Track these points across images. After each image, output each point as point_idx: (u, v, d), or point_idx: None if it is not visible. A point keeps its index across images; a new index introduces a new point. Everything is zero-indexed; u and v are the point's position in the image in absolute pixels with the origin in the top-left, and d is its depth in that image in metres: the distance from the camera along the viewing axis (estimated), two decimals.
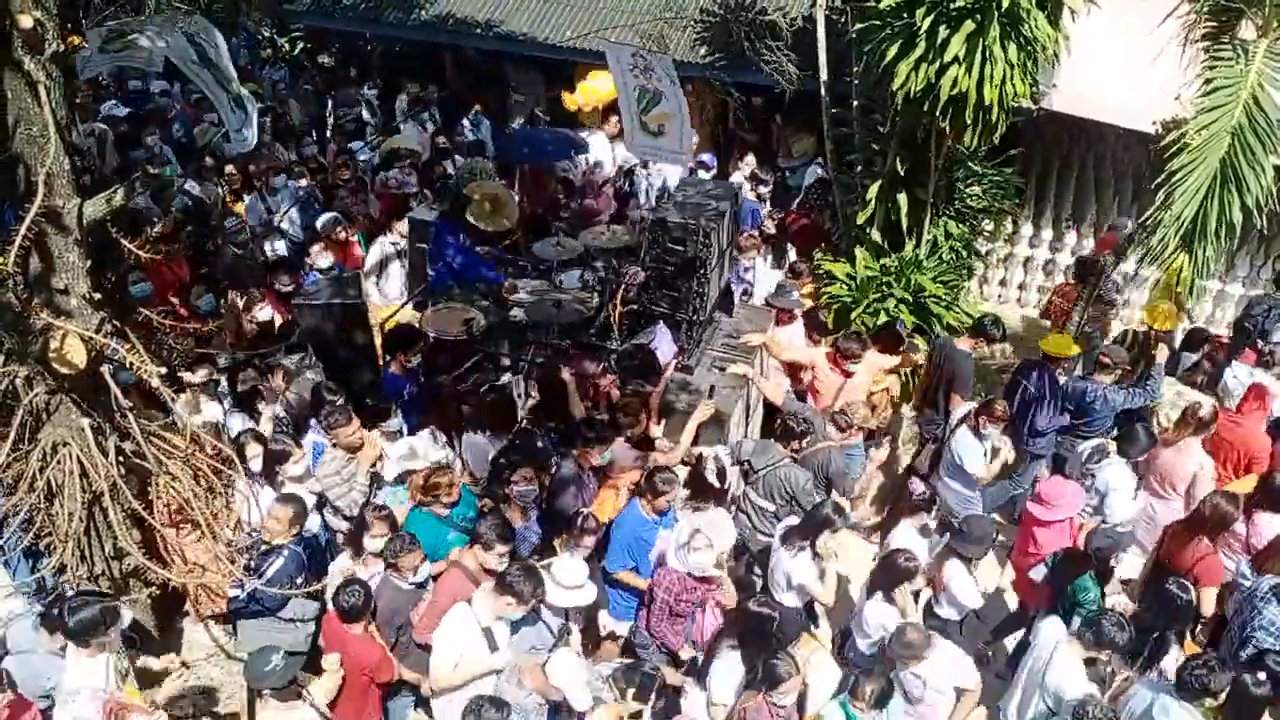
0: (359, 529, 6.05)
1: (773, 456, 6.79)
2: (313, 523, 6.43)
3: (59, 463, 5.11)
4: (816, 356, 8.06)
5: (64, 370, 4.91)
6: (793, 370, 8.42)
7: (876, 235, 9.76)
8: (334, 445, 6.55)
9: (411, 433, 7.10)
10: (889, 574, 5.99)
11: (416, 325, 8.03)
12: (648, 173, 11.77)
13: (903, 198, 9.46)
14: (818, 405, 7.83)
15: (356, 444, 6.56)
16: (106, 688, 4.92)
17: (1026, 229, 11.70)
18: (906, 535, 6.54)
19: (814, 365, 8.04)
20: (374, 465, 6.73)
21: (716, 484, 6.69)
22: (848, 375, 7.82)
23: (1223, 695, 5.23)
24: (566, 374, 7.20)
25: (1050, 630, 5.80)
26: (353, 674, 5.45)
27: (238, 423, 7.02)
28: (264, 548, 5.79)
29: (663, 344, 7.56)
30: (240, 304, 8.52)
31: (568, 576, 5.61)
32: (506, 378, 7.87)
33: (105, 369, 5.13)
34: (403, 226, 9.78)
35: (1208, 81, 7.16)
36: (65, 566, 5.34)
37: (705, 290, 7.56)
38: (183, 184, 10.61)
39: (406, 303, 8.88)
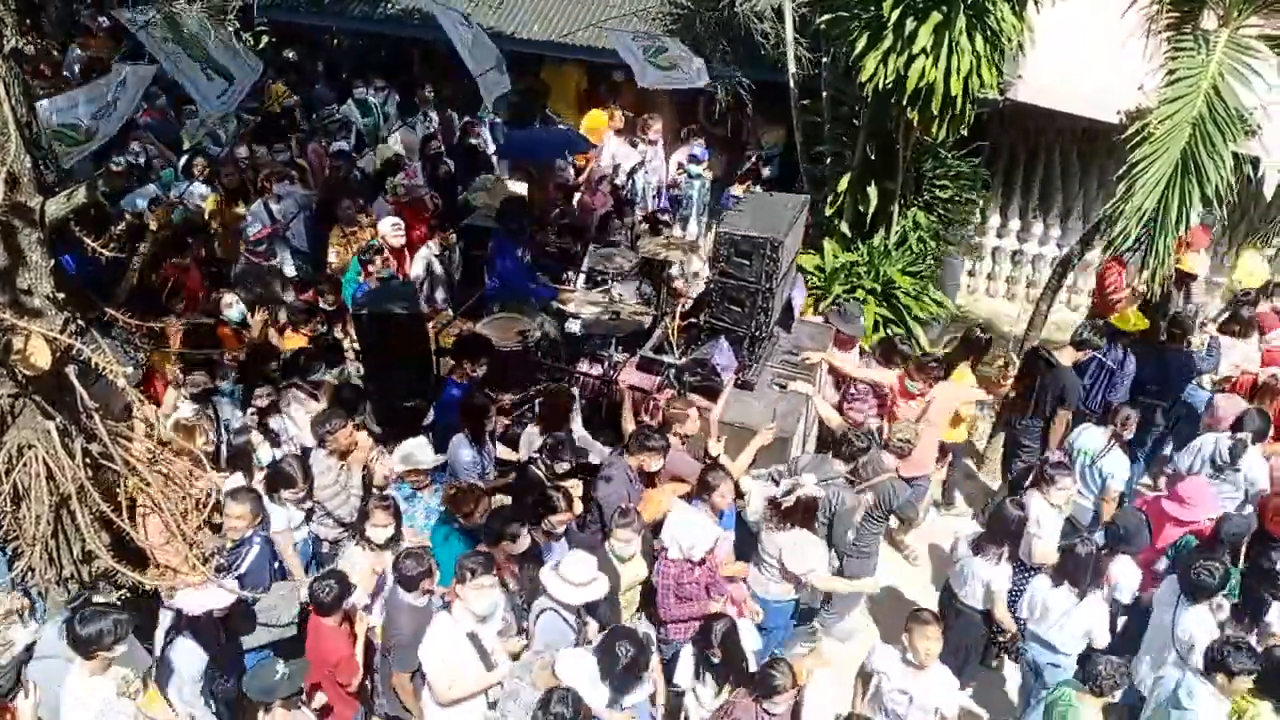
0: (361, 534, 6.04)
1: (826, 473, 6.59)
2: (299, 535, 6.40)
3: (25, 465, 5.04)
4: (892, 381, 7.74)
5: (28, 372, 4.85)
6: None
7: (845, 227, 9.81)
8: (330, 452, 6.48)
9: (449, 435, 7.02)
10: (1074, 566, 5.99)
11: (479, 333, 7.91)
12: (645, 169, 11.75)
13: (871, 189, 9.52)
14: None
15: (350, 447, 6.52)
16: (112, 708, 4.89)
17: (994, 219, 11.81)
18: (1039, 507, 6.58)
19: (892, 389, 7.75)
20: (365, 469, 6.67)
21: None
22: (910, 397, 7.51)
23: (1242, 676, 5.31)
24: (623, 387, 7.09)
25: (1174, 587, 6.05)
26: (318, 667, 5.44)
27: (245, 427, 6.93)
28: (233, 543, 5.75)
29: (724, 359, 7.34)
30: (267, 317, 8.43)
31: (576, 573, 5.52)
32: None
33: (70, 369, 5.06)
34: (445, 236, 9.74)
35: (1170, 72, 7.24)
36: (33, 569, 5.28)
37: (770, 305, 7.29)
38: (184, 189, 10.36)
39: (462, 311, 8.78)
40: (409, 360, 7.58)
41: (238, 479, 6.31)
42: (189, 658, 5.39)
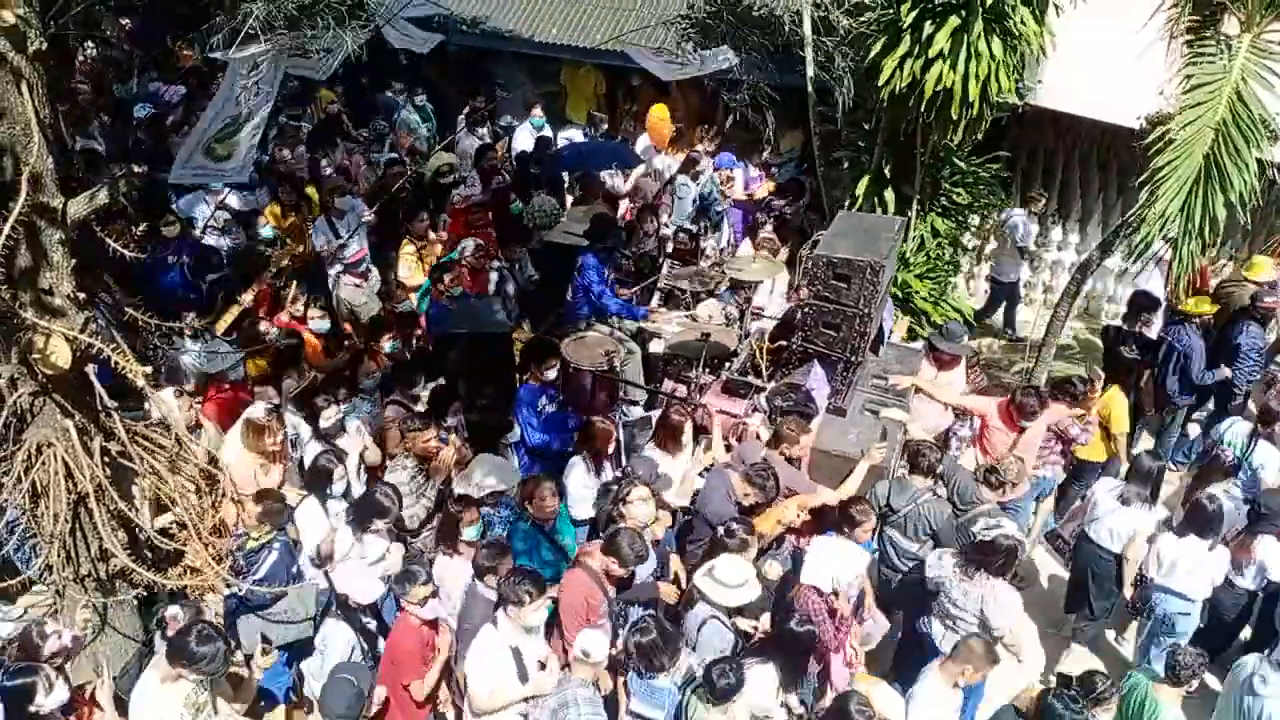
0: (444, 528, 6.08)
1: (914, 493, 6.48)
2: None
3: (44, 463, 5.08)
4: (988, 408, 7.55)
5: (48, 371, 4.88)
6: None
7: None
8: (407, 453, 6.46)
9: (565, 459, 7.02)
10: (1202, 518, 6.43)
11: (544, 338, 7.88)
12: (698, 183, 11.65)
13: (889, 194, 9.48)
14: (985, 461, 7.38)
15: (430, 452, 6.51)
16: None
17: None
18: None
19: (984, 417, 7.54)
20: (447, 483, 6.63)
21: None
22: (1020, 431, 7.36)
23: None
24: (711, 410, 7.00)
25: None
26: (387, 666, 5.52)
27: (314, 450, 6.77)
28: (252, 546, 5.78)
29: (818, 384, 7.17)
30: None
31: (730, 575, 5.51)
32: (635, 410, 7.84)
33: (90, 369, 5.10)
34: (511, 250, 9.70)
35: (1190, 77, 7.19)
36: (51, 567, 5.31)
37: (866, 330, 7.08)
38: (224, 197, 10.20)
39: (544, 329, 8.75)
40: (493, 377, 7.53)
41: (311, 504, 6.26)
42: (338, 639, 5.61)
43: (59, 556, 5.30)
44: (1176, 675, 5.44)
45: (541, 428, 7.31)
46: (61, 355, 4.82)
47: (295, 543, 6.08)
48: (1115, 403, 7.95)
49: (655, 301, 9.31)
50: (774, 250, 9.88)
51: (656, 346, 8.36)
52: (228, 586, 5.66)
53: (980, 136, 8.97)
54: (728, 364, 7.84)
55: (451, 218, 10.21)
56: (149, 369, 5.08)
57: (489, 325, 7.54)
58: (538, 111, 12.75)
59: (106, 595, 5.50)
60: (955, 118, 8.41)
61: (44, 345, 4.79)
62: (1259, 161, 7.09)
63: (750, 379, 7.56)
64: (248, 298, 8.07)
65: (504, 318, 7.78)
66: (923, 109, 8.39)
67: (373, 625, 5.95)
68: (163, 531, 5.34)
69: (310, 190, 10.61)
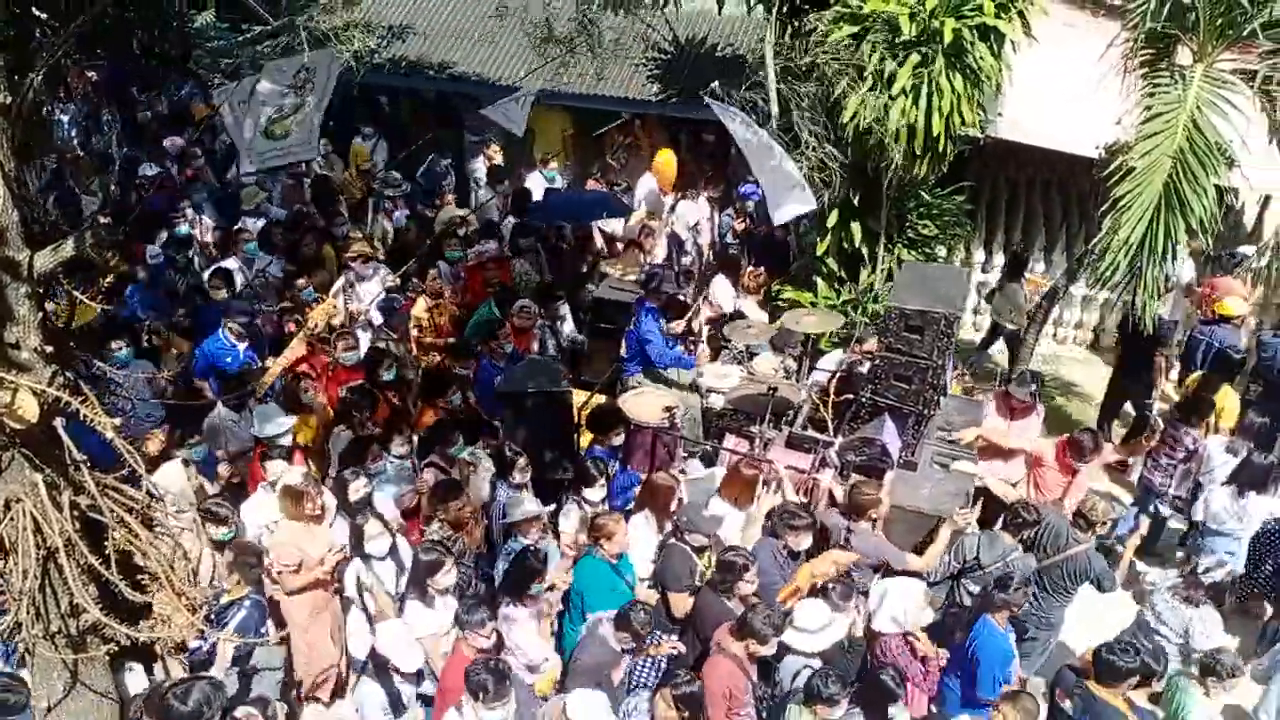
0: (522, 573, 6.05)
1: (1003, 549, 6.43)
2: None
3: (12, 519, 5.00)
4: (1044, 449, 7.64)
5: (16, 425, 4.82)
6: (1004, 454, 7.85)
7: (833, 264, 9.87)
8: (441, 521, 6.42)
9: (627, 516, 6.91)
10: (1249, 473, 7.31)
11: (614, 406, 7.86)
12: (697, 228, 11.66)
13: (855, 227, 9.58)
14: (1035, 498, 7.39)
15: (464, 520, 6.48)
16: None
17: (979, 255, 11.89)
18: None
19: (1039, 456, 7.59)
20: (479, 546, 6.58)
21: None
22: (1073, 474, 7.45)
23: None
24: (778, 466, 6.90)
25: None
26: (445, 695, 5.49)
27: (340, 531, 6.55)
28: (224, 601, 5.71)
29: (891, 438, 7.05)
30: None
31: (811, 620, 5.50)
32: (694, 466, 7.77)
33: (59, 422, 5.04)
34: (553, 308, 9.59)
35: (1147, 108, 7.36)
36: (20, 624, 5.21)
37: (938, 382, 7.03)
38: (267, 265, 9.99)
39: (599, 386, 8.67)
40: (552, 438, 7.46)
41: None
42: (373, 700, 5.72)
43: (28, 614, 5.21)
44: (1215, 673, 5.77)
45: (612, 489, 7.26)
46: (29, 409, 4.77)
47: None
48: (1228, 398, 8.58)
49: (702, 352, 9.21)
50: (758, 285, 10.03)
51: (716, 402, 8.23)
52: (200, 636, 5.58)
53: (944, 169, 9.10)
54: (785, 417, 7.69)
55: (469, 274, 10.07)
56: (118, 420, 5.01)
57: (547, 383, 7.49)
58: (553, 165, 12.56)
59: (77, 652, 5.40)
60: (919, 151, 8.53)
61: (11, 399, 4.74)
62: (1217, 188, 7.25)
63: (813, 433, 7.44)
64: (282, 362, 8.02)
65: (560, 375, 7.74)
66: (887, 143, 8.50)
67: (408, 690, 5.86)
68: (136, 585, 5.26)
69: (326, 248, 10.47)
